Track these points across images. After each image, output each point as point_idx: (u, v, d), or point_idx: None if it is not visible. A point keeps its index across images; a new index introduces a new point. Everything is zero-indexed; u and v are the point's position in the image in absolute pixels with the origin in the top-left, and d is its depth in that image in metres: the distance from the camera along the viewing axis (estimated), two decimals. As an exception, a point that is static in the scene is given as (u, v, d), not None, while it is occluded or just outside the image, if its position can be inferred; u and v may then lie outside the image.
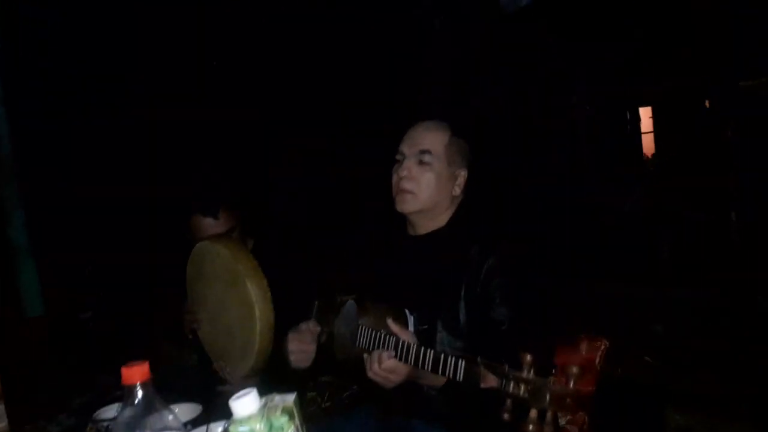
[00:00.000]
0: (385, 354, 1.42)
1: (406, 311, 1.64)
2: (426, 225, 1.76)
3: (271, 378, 2.01)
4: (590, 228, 3.61)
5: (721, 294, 3.10)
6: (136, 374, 0.83)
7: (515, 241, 1.68)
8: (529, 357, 1.05)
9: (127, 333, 2.79)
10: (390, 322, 1.47)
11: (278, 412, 0.82)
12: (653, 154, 4.59)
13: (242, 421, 0.82)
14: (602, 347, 1.83)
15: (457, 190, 1.73)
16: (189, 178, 3.60)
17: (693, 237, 3.38)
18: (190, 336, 2.22)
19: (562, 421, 1.79)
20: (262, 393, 0.94)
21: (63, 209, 3.46)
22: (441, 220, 1.75)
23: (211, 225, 2.17)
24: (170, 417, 0.84)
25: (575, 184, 3.73)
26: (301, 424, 0.87)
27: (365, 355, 1.49)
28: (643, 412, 2.81)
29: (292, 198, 4.25)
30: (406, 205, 1.71)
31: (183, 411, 1.46)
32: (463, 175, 1.74)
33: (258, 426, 0.80)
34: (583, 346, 1.83)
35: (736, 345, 2.83)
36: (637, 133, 5.16)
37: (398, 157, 1.75)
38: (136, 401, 0.83)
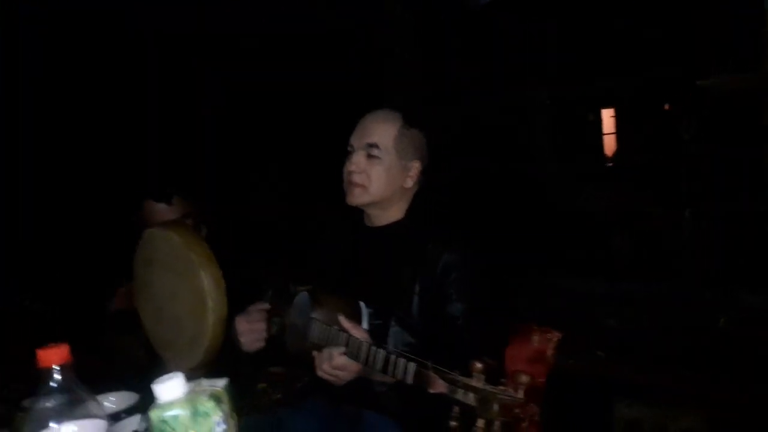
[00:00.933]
0: (335, 352, 1.39)
1: (362, 304, 1.62)
2: (381, 217, 1.74)
3: (220, 371, 1.97)
4: (546, 223, 3.64)
5: (673, 289, 3.15)
6: (53, 356, 0.77)
7: (473, 235, 1.67)
8: (479, 365, 1.03)
9: (73, 322, 2.68)
10: (342, 319, 1.44)
11: (205, 397, 0.78)
12: (614, 153, 4.65)
13: (165, 407, 0.77)
14: (554, 339, 1.85)
15: (410, 182, 1.71)
16: (142, 162, 3.48)
17: (648, 233, 3.44)
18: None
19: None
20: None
21: (4, 194, 3.32)
22: (396, 211, 1.73)
23: (163, 211, 2.10)
24: (93, 404, 0.79)
25: (533, 178, 3.75)
26: (231, 411, 0.83)
27: (315, 353, 1.45)
28: (593, 405, 2.86)
29: (250, 186, 4.13)
30: (356, 198, 1.68)
31: (119, 399, 1.41)
32: (416, 166, 1.71)
33: (182, 412, 0.76)
34: (535, 338, 1.85)
35: (688, 339, 2.89)
36: (599, 134, 5.21)
37: (349, 148, 1.72)
38: (54, 386, 0.78)
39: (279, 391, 2.48)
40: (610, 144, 5.21)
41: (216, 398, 0.80)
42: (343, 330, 1.42)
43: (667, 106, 3.75)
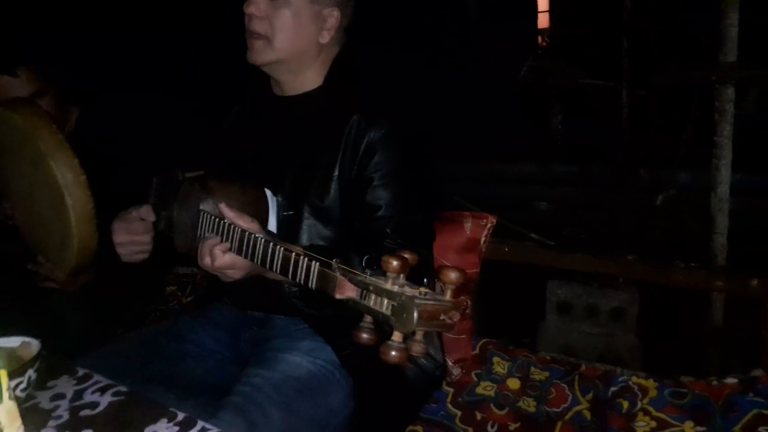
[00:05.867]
0: (218, 247, 1.13)
1: (268, 192, 1.35)
2: (293, 83, 1.42)
3: (114, 275, 1.70)
4: (479, 98, 3.38)
5: (607, 169, 3.04)
6: None
7: (403, 109, 1.39)
8: (395, 262, 0.77)
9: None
10: (223, 206, 1.17)
11: None
12: (548, 29, 4.38)
13: None
14: (489, 225, 1.66)
15: (326, 36, 1.37)
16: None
17: (585, 108, 3.27)
18: (9, 223, 1.82)
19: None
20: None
21: None
22: (312, 77, 1.41)
23: (9, 86, 1.70)
24: None
25: (466, 50, 3.43)
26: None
27: (199, 247, 1.19)
28: (524, 287, 2.80)
29: (134, 52, 3.41)
30: (258, 54, 1.35)
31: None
32: (334, 16, 1.36)
33: None
34: (468, 225, 1.65)
35: (622, 218, 2.82)
36: (534, 11, 4.93)
37: None
38: None
39: (189, 294, 2.26)
40: (543, 21, 4.94)
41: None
42: (230, 221, 1.15)
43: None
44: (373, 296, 0.80)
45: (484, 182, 3.18)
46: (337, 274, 0.87)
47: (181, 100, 2.91)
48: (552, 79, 3.13)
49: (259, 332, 1.40)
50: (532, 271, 2.69)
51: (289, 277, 1.00)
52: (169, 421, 0.83)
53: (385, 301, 0.78)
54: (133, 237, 1.40)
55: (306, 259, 0.96)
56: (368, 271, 0.83)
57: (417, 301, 0.73)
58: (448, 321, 0.76)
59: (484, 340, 1.72)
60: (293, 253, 0.99)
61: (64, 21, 3.00)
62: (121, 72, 3.12)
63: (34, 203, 1.57)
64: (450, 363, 1.62)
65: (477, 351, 1.70)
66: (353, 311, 0.85)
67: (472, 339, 1.70)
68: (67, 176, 1.38)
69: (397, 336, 0.76)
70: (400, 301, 0.75)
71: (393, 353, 0.75)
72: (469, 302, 1.64)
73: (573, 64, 3.22)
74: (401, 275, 0.78)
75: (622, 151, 2.99)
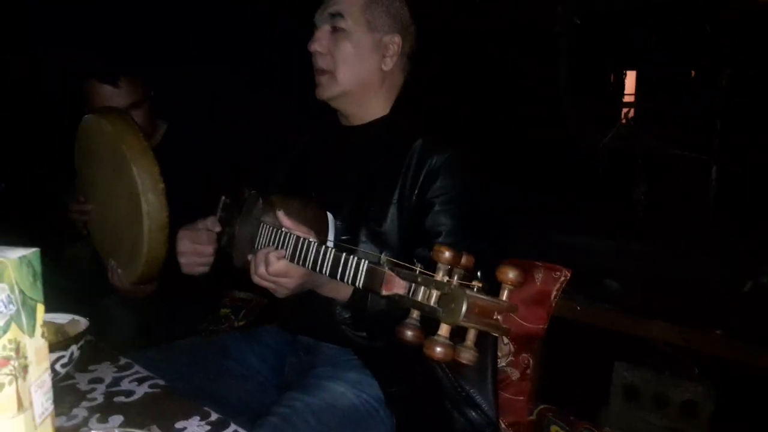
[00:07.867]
0: (273, 254, 1.09)
1: (329, 215, 1.33)
2: (359, 113, 1.43)
3: (172, 290, 1.71)
4: (560, 163, 3.27)
5: (690, 250, 2.85)
6: None
7: (468, 137, 1.36)
8: (447, 254, 0.72)
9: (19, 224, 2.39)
10: (281, 214, 1.14)
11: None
12: (634, 103, 4.30)
13: None
14: (562, 279, 1.54)
15: (389, 63, 1.38)
16: (87, 33, 2.95)
17: (670, 182, 3.10)
18: (84, 232, 1.88)
19: (501, 362, 1.54)
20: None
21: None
22: (377, 106, 1.41)
23: (109, 95, 1.79)
24: None
25: (551, 109, 3.35)
26: (33, 282, 0.55)
27: (249, 256, 1.16)
28: (592, 364, 2.62)
29: (221, 72, 3.51)
30: (324, 89, 1.38)
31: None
32: (395, 42, 1.37)
33: None
34: (539, 276, 1.55)
35: (695, 307, 2.61)
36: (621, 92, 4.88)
37: (314, 27, 1.40)
38: None
39: (243, 318, 2.24)
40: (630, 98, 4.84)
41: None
42: (288, 229, 1.13)
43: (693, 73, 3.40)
44: (421, 289, 0.75)
45: (553, 251, 3.03)
46: (386, 269, 0.83)
47: (257, 126, 2.97)
48: (638, 148, 3.01)
49: (306, 358, 1.37)
50: (600, 344, 2.52)
51: (338, 277, 0.96)
52: (201, 419, 0.79)
53: (434, 293, 0.73)
54: (197, 247, 1.40)
55: (355, 257, 0.93)
56: (419, 265, 0.79)
57: (468, 292, 0.67)
58: (504, 325, 0.69)
59: (542, 406, 1.59)
60: (343, 253, 0.97)
61: (166, 39, 3.14)
62: (205, 94, 3.22)
63: (110, 211, 1.62)
64: (503, 425, 1.49)
65: (534, 417, 1.57)
66: (399, 309, 0.79)
67: (530, 403, 1.57)
68: (147, 182, 1.42)
69: (444, 330, 0.70)
70: (449, 289, 0.70)
71: (438, 349, 0.69)
72: (531, 361, 1.52)
73: (660, 137, 3.10)
74: (453, 269, 0.73)
75: (706, 232, 2.81)
